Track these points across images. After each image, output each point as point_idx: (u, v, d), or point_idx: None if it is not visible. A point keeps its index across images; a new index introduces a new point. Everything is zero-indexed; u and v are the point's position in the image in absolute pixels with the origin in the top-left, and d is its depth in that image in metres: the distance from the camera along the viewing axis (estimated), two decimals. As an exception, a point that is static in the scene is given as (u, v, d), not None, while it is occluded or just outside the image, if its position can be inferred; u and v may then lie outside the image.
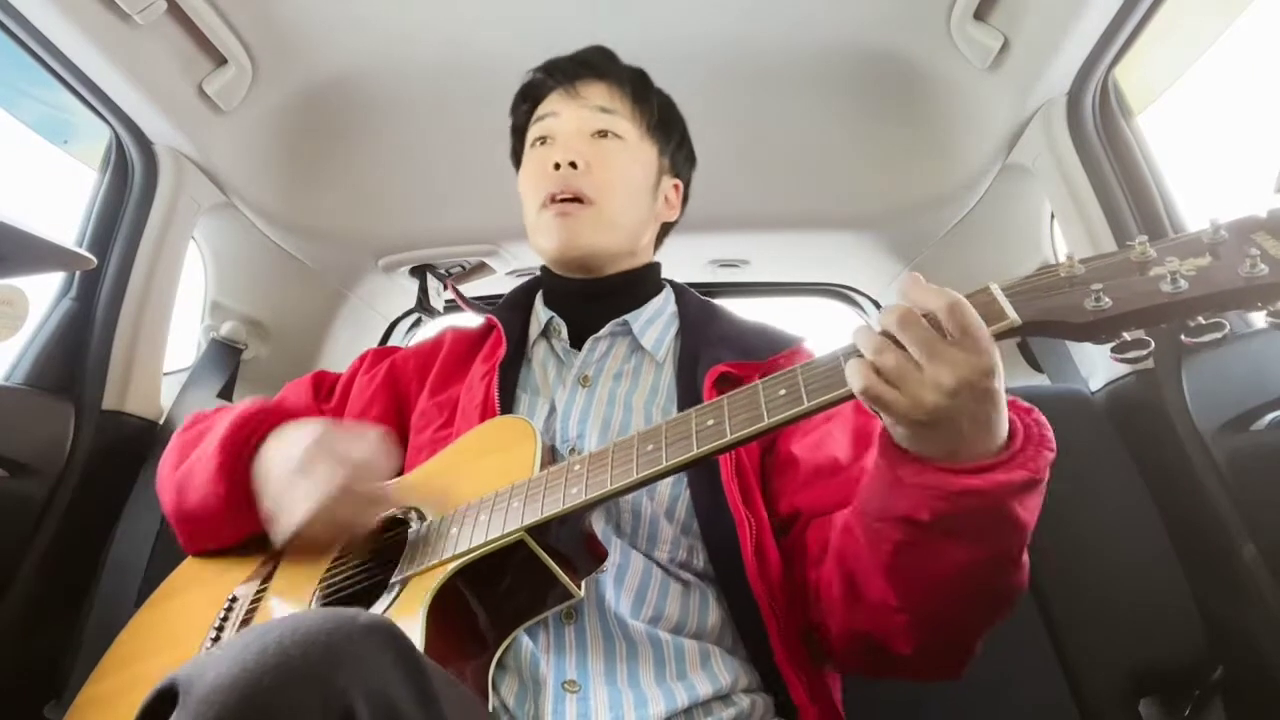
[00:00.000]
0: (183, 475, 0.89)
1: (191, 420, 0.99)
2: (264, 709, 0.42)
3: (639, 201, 0.98)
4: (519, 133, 1.06)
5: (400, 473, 0.88)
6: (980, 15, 1.25)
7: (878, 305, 2.04)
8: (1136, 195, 1.21)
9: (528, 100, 1.04)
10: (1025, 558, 0.66)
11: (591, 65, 1.00)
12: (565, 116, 0.97)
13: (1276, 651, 0.99)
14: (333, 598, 0.77)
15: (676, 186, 1.05)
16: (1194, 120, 1.28)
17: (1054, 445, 0.61)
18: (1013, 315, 0.58)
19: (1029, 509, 0.61)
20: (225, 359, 1.65)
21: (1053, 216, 1.50)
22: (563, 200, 0.92)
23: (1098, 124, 1.25)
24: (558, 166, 0.93)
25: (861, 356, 0.59)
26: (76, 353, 1.30)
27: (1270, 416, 0.99)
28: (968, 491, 0.58)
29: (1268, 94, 1.22)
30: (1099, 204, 1.22)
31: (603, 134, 0.96)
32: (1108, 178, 1.22)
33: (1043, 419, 0.62)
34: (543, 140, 0.98)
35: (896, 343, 0.58)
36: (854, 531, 0.70)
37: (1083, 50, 1.17)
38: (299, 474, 0.75)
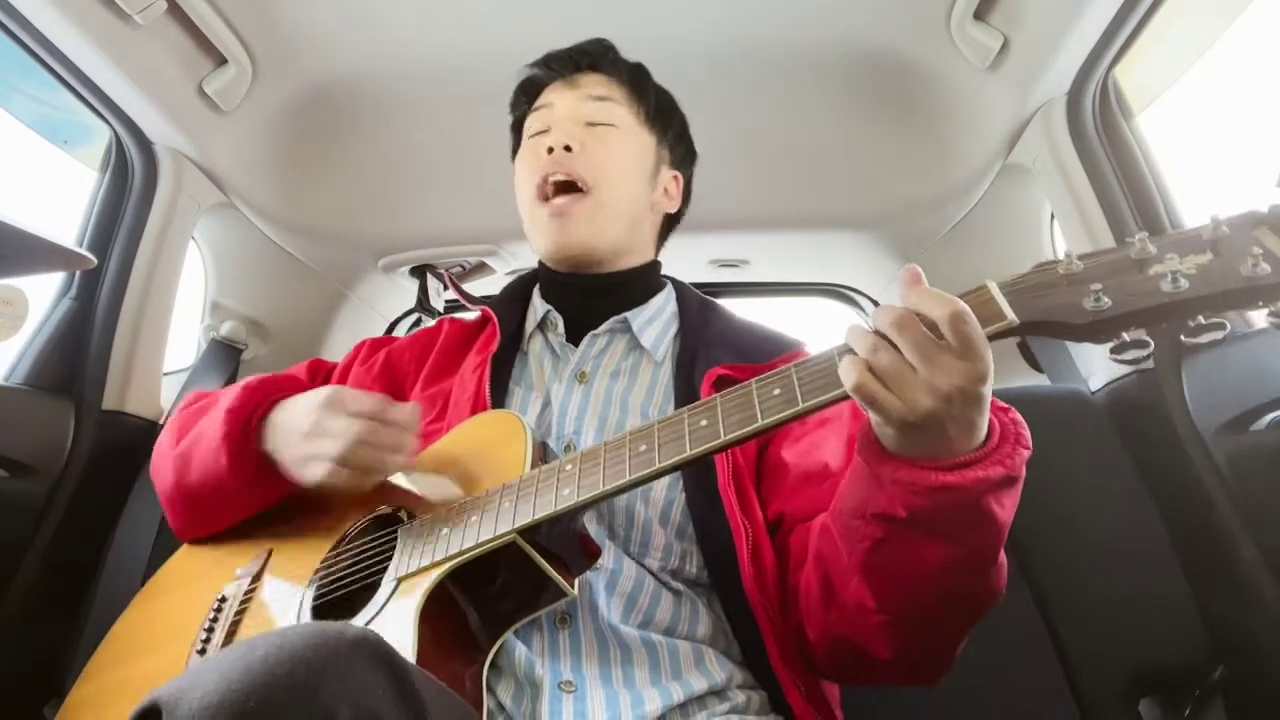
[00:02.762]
0: (185, 449, 0.86)
1: (191, 399, 0.96)
2: None
3: (636, 187, 0.97)
4: (518, 128, 1.05)
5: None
6: (980, 15, 1.25)
7: (878, 305, 2.03)
8: (1136, 195, 1.21)
9: (526, 95, 1.04)
10: (1003, 560, 0.65)
11: (589, 55, 1.00)
12: (560, 105, 0.97)
13: (1277, 651, 0.99)
14: (324, 598, 0.77)
15: (676, 179, 1.04)
16: (1194, 120, 1.28)
17: (1029, 444, 0.61)
18: (1011, 315, 0.56)
19: (1005, 507, 0.61)
20: (225, 359, 1.65)
21: (1053, 216, 1.50)
22: (556, 191, 0.92)
23: (1098, 124, 1.25)
24: (550, 151, 0.92)
25: (855, 354, 0.58)
26: (76, 353, 1.31)
27: (1270, 416, 0.99)
28: (945, 488, 0.58)
29: (1268, 94, 1.22)
30: (1099, 204, 1.22)
31: (597, 123, 0.95)
32: (1108, 178, 1.22)
33: (1019, 418, 0.62)
34: (539, 132, 0.98)
35: (891, 343, 0.57)
36: (831, 532, 0.70)
37: (1083, 50, 1.17)
38: (314, 433, 0.75)
